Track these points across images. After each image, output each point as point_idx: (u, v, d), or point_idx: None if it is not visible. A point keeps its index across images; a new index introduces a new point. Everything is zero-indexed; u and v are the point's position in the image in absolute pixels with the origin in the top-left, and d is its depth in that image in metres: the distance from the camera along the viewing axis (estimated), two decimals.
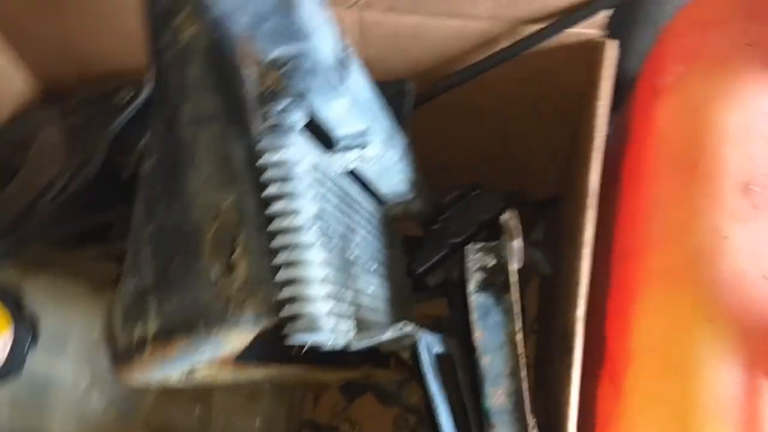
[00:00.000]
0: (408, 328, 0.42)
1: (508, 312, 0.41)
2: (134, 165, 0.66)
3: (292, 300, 0.38)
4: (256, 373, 0.46)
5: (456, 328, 0.54)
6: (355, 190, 0.53)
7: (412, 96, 0.64)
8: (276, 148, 0.40)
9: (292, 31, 0.32)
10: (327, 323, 0.38)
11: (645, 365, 0.47)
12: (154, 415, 0.64)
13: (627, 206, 0.58)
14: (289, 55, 0.34)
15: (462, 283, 0.42)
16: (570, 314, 0.48)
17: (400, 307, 0.58)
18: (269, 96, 0.40)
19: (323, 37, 0.34)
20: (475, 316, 0.40)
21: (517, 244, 0.42)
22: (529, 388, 0.44)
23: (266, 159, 0.40)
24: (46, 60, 0.73)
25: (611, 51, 0.57)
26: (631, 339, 0.49)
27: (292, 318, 0.38)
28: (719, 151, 0.52)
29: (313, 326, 0.38)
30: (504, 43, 0.60)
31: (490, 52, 0.61)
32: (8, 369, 0.59)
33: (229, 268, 0.42)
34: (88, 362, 0.61)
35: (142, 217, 0.47)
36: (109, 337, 0.44)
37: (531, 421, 0.42)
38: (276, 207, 0.39)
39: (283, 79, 0.37)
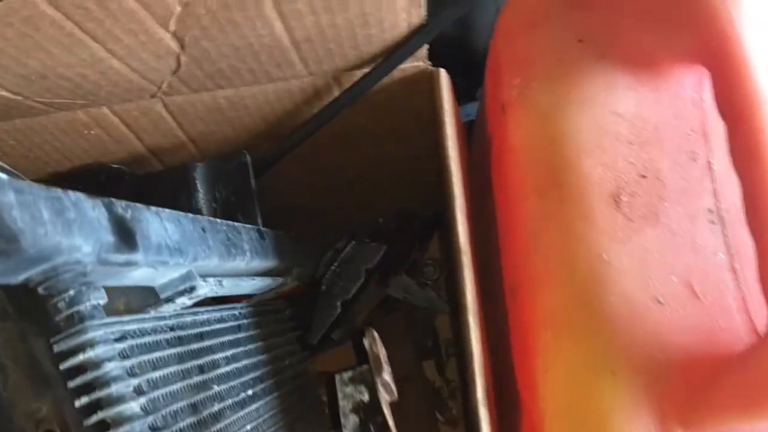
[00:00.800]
0: None
1: None
2: None
3: None
4: None
5: None
6: (207, 315, 0.47)
7: (250, 167, 0.58)
8: (77, 350, 0.33)
9: (28, 262, 0.26)
10: None
11: (556, 424, 0.43)
12: None
13: (505, 234, 0.54)
14: (40, 276, 0.27)
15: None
16: (472, 395, 0.44)
17: (290, 408, 0.53)
18: (53, 290, 0.33)
19: (76, 242, 0.28)
20: None
21: (387, 376, 0.37)
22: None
23: (70, 363, 0.33)
24: None
25: (444, 80, 0.52)
26: (539, 395, 0.45)
27: None
28: (579, 164, 0.48)
29: None
30: (333, 93, 0.55)
31: (320, 105, 0.56)
32: None
33: None
34: None
35: None
36: None
37: None
38: (96, 418, 0.33)
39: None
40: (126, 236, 0.33)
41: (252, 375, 0.49)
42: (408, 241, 0.72)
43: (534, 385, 0.46)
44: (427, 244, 0.81)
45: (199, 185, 0.59)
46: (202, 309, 0.46)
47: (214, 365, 0.44)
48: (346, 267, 0.66)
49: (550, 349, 0.45)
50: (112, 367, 0.34)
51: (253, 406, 0.47)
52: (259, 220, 0.57)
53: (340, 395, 0.37)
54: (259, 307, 0.56)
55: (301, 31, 0.44)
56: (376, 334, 0.38)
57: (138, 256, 0.33)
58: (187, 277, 0.39)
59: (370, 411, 0.37)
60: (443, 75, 0.52)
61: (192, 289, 0.39)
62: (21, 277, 0.28)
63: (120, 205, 0.33)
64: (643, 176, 0.48)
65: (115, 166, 0.61)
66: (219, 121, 0.58)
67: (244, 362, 0.49)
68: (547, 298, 0.47)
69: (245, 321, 0.52)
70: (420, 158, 0.68)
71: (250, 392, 0.47)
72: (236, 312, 0.51)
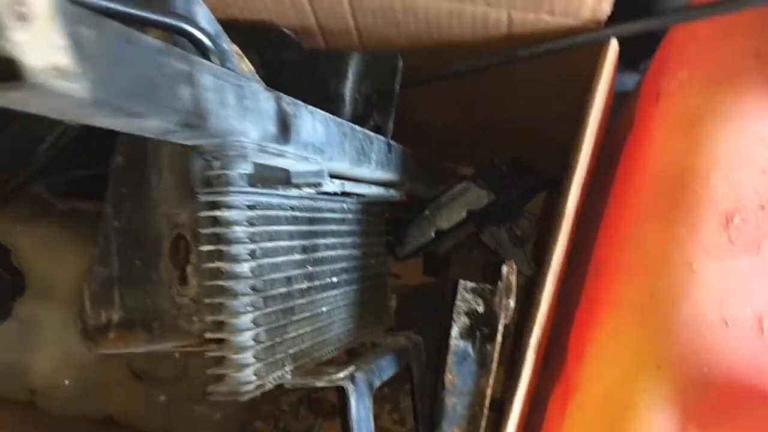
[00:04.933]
0: (341, 376, 0.44)
1: (485, 364, 0.42)
2: None
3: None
4: None
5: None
6: (323, 203, 0.51)
7: (400, 72, 0.62)
8: (215, 206, 0.39)
9: (207, 136, 0.31)
10: (248, 377, 0.40)
11: (588, 395, 0.48)
12: (137, 359, 0.68)
13: (611, 215, 0.56)
14: (210, 146, 0.33)
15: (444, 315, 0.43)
16: (526, 337, 0.49)
17: (362, 302, 0.59)
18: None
19: (246, 127, 0.33)
20: (452, 359, 0.41)
21: (512, 303, 0.42)
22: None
23: (205, 215, 0.40)
24: None
25: (612, 51, 0.53)
26: (583, 364, 0.50)
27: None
28: (708, 174, 0.49)
29: (236, 386, 0.40)
30: (500, 29, 0.57)
31: (485, 37, 0.58)
32: None
33: (183, 280, 0.43)
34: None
35: (111, 211, 0.47)
36: (80, 311, 0.47)
37: None
38: (212, 265, 0.40)
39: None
40: (284, 129, 0.38)
41: (341, 265, 0.54)
42: (515, 194, 0.73)
43: (581, 354, 0.50)
44: (530, 200, 0.82)
45: (350, 74, 0.63)
46: (321, 196, 0.51)
47: (314, 248, 0.49)
48: (452, 202, 0.68)
49: (609, 327, 0.49)
50: (238, 231, 0.39)
51: (334, 292, 0.52)
52: (391, 124, 0.61)
53: (459, 297, 0.43)
54: (365, 206, 0.60)
55: None
56: (515, 267, 0.43)
57: (289, 149, 0.38)
58: (319, 173, 0.43)
59: (481, 320, 0.42)
60: (613, 45, 0.53)
61: (319, 184, 0.44)
62: (196, 142, 0.33)
63: (286, 101, 0.38)
64: (763, 207, 0.49)
65: (286, 31, 0.66)
66: (387, 20, 0.61)
67: (339, 252, 0.54)
68: (627, 284, 0.50)
69: (350, 216, 0.57)
70: (558, 118, 0.69)
71: (335, 279, 0.52)
72: (345, 206, 0.56)
